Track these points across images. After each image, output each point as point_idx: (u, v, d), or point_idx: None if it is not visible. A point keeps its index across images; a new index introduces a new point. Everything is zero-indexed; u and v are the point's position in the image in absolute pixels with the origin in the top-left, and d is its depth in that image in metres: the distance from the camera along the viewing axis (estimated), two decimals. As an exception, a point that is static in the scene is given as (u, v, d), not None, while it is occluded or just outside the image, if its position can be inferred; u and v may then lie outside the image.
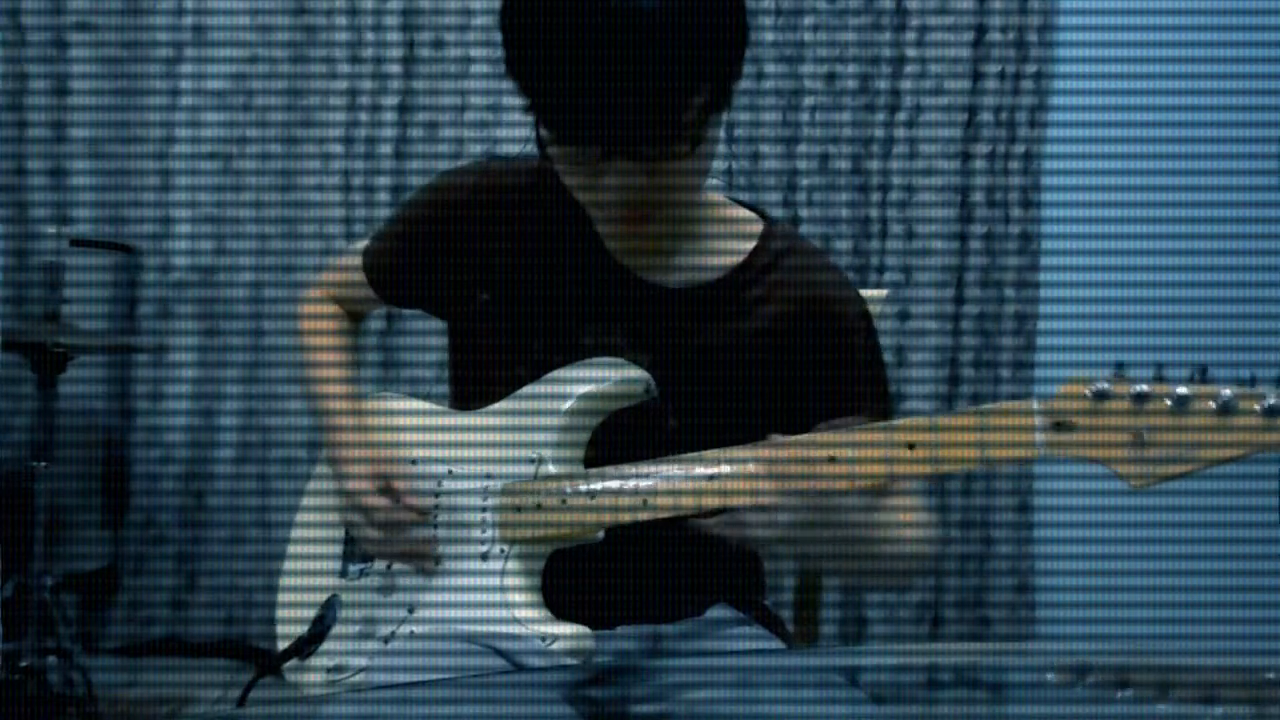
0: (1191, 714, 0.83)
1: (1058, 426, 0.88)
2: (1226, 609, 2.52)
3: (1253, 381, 0.83)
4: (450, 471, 1.18)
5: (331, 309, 1.34)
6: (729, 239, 1.21)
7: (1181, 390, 0.84)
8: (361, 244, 1.32)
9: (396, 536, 1.16)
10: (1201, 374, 0.84)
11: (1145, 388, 0.85)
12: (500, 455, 1.15)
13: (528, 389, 1.16)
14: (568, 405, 1.14)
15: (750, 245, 1.20)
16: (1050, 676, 0.98)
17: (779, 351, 1.17)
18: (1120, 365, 0.87)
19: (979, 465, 0.93)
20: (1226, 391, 0.82)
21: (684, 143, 1.01)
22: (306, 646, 1.19)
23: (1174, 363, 0.87)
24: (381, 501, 1.16)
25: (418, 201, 1.29)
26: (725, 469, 1.01)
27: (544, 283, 1.19)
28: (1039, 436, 0.89)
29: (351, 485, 1.18)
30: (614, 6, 0.94)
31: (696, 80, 0.99)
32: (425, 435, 1.22)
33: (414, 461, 1.21)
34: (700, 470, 1.03)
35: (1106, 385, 0.86)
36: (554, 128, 1.02)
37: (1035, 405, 0.89)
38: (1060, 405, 0.88)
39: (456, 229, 1.21)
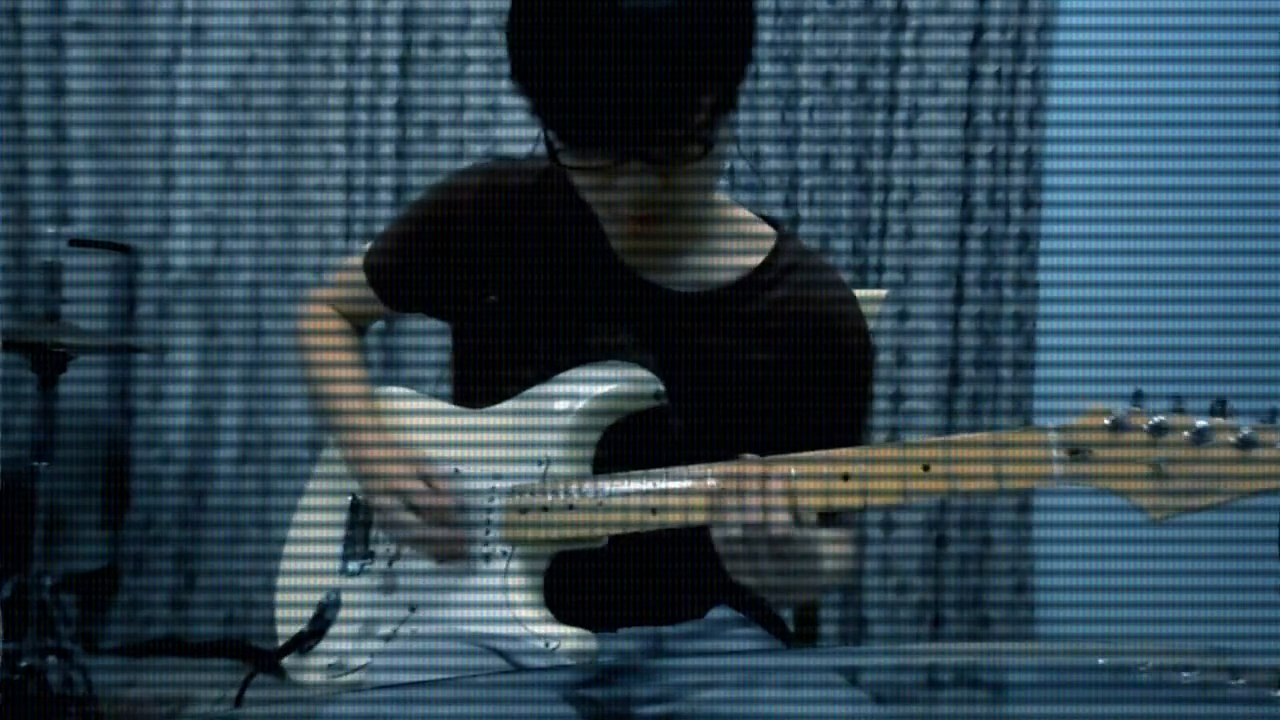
0: (1193, 714, 0.83)
1: (1075, 455, 0.88)
2: (1227, 609, 2.52)
3: (1273, 415, 0.82)
4: (457, 471, 1.18)
5: (333, 315, 1.34)
6: (739, 245, 1.20)
7: (1201, 423, 0.83)
8: (357, 258, 1.32)
9: (454, 536, 1.15)
10: (1221, 406, 0.84)
11: (1164, 419, 0.85)
12: (508, 455, 1.15)
13: (537, 389, 1.16)
14: (580, 406, 1.13)
15: (760, 256, 1.20)
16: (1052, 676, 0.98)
17: (777, 366, 1.17)
18: (1139, 394, 0.87)
19: (996, 489, 0.92)
20: (1246, 429, 0.82)
21: (696, 144, 1.01)
22: (304, 643, 1.19)
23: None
24: (441, 501, 1.15)
25: (422, 204, 1.29)
26: (735, 484, 1.00)
27: (549, 283, 1.19)
28: (1056, 468, 0.88)
29: (406, 484, 1.15)
30: (619, 8, 0.93)
31: (705, 80, 0.98)
32: (433, 435, 1.22)
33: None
34: (711, 481, 1.02)
35: (1125, 415, 0.86)
36: (564, 133, 1.02)
37: (1052, 432, 0.89)
38: (1077, 434, 0.88)
39: (460, 229, 1.21)
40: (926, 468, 0.93)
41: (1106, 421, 0.86)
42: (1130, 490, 0.85)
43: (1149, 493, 0.85)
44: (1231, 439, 0.82)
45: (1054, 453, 0.88)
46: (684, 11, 0.94)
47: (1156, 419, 0.85)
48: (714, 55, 0.98)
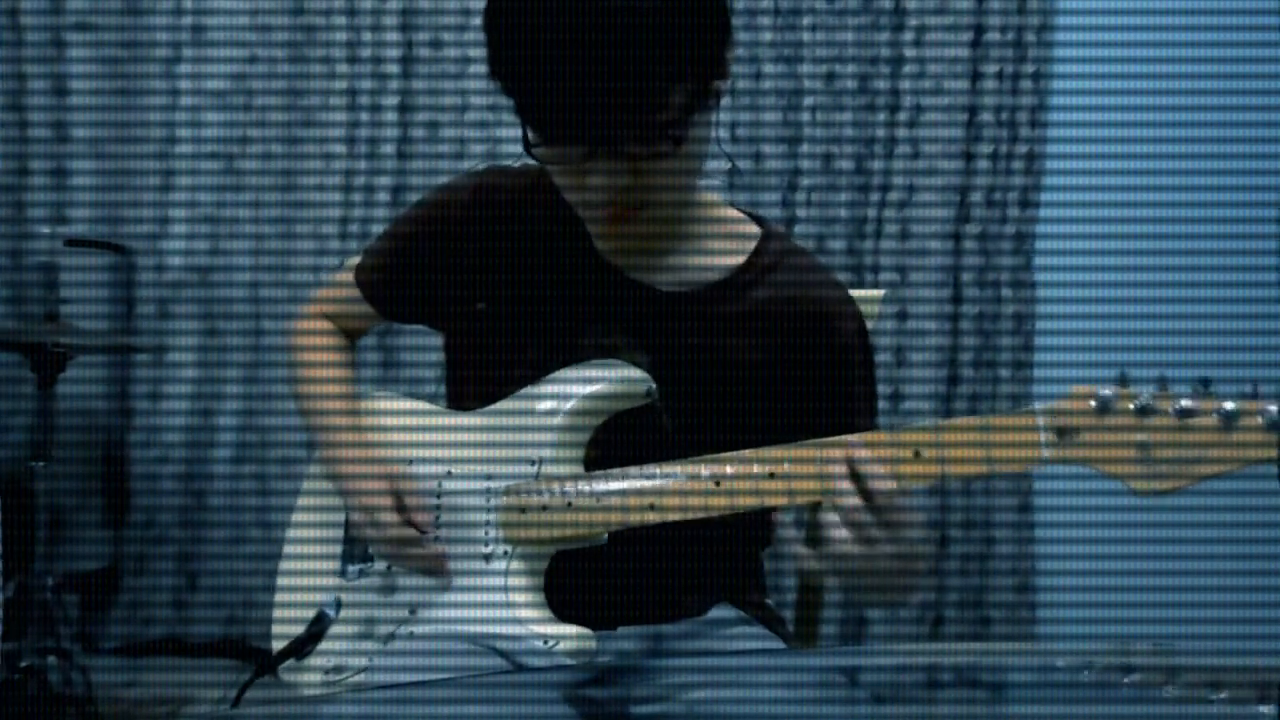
0: (1194, 713, 0.83)
1: (1062, 436, 0.88)
2: (1227, 608, 2.52)
3: (1255, 394, 0.83)
4: (449, 472, 1.18)
5: (326, 326, 1.34)
6: (724, 242, 1.20)
7: (1185, 402, 0.84)
8: (354, 261, 1.32)
9: (412, 549, 1.16)
10: (1204, 385, 0.84)
11: (1149, 399, 0.85)
12: (500, 456, 1.15)
13: (528, 389, 1.16)
14: (569, 406, 1.13)
15: (746, 251, 1.20)
16: (1061, 664, 0.98)
17: (772, 361, 1.17)
18: (1124, 375, 0.87)
19: (985, 473, 0.92)
20: (1229, 404, 0.82)
21: (665, 141, 1.01)
22: (304, 646, 1.19)
23: (1172, 363, 0.87)
24: (407, 529, 1.15)
25: (412, 213, 1.29)
26: (729, 470, 1.00)
27: (538, 284, 1.19)
28: (1045, 451, 0.89)
29: (374, 500, 1.16)
30: (590, 6, 0.93)
31: (673, 76, 0.98)
32: (424, 436, 1.22)
33: (410, 462, 1.21)
34: (706, 472, 1.03)
35: (1110, 396, 0.86)
36: (537, 128, 1.02)
37: (1039, 416, 0.89)
38: (1064, 417, 0.88)
39: (451, 236, 1.21)
40: (917, 453, 0.93)
41: (1093, 404, 0.87)
42: (1118, 472, 0.86)
43: (1136, 474, 0.86)
44: (1215, 417, 0.83)
45: (1042, 436, 0.89)
46: (654, 9, 0.94)
47: (1142, 400, 0.85)
48: (683, 52, 0.98)
